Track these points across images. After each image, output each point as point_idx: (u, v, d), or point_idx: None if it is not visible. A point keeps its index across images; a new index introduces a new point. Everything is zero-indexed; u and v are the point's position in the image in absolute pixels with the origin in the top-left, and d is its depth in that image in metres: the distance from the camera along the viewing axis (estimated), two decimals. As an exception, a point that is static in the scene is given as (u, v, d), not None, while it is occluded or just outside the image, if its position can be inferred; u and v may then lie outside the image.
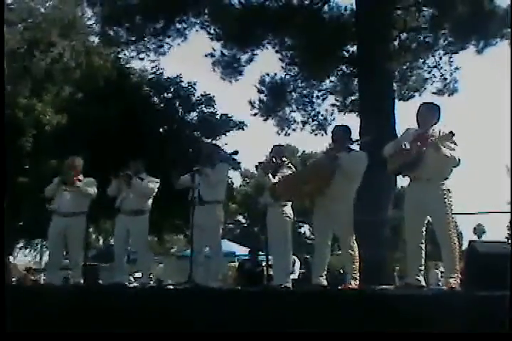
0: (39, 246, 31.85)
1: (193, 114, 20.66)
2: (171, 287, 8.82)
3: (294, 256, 11.35)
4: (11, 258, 25.67)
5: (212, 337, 5.31)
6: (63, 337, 5.59)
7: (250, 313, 5.55)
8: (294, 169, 7.66)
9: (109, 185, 8.52)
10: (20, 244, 28.22)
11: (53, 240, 8.55)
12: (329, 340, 4.90)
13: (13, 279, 19.08)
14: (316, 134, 18.76)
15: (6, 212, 17.85)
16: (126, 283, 8.34)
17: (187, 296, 6.39)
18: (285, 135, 19.20)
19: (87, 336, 5.55)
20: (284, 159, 7.70)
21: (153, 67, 20.42)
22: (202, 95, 20.52)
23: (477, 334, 4.45)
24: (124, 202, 8.29)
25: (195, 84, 20.46)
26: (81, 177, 8.59)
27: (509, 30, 14.21)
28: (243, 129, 20.42)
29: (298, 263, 13.22)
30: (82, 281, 8.40)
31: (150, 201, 8.42)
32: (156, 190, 8.40)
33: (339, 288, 6.72)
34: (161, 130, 19.79)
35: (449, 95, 17.87)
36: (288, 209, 7.53)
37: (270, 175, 7.46)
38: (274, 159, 7.62)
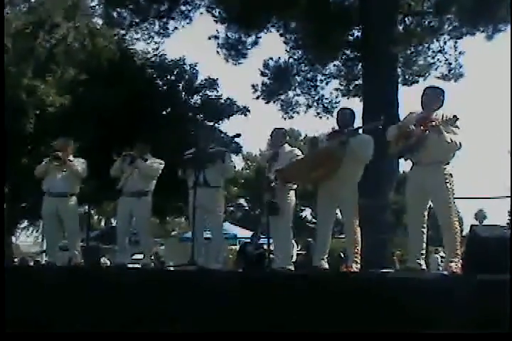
0: (41, 226, 32.01)
1: (196, 97, 20.67)
2: (172, 268, 8.86)
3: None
4: (14, 239, 25.78)
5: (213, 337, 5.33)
6: (63, 337, 5.61)
7: (252, 295, 5.58)
8: (297, 151, 7.62)
9: (109, 166, 8.53)
10: (23, 225, 28.35)
11: (47, 221, 8.60)
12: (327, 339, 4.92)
13: (16, 260, 19.20)
14: (320, 117, 18.77)
15: (10, 193, 17.89)
16: (128, 264, 8.36)
17: (188, 277, 6.41)
18: (289, 118, 19.24)
19: (88, 336, 5.57)
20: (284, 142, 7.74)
21: (156, 49, 20.40)
22: (206, 79, 20.51)
23: (477, 335, 4.47)
24: (127, 184, 8.29)
25: (197, 66, 20.49)
26: (71, 157, 8.58)
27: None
28: (246, 115, 20.43)
29: (295, 247, 13.25)
30: (81, 262, 8.41)
31: (153, 182, 8.42)
32: (160, 171, 8.40)
33: (340, 271, 6.75)
34: (164, 112, 19.78)
35: (454, 80, 17.84)
36: (292, 193, 7.53)
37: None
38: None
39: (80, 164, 8.54)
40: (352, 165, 6.53)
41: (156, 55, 20.56)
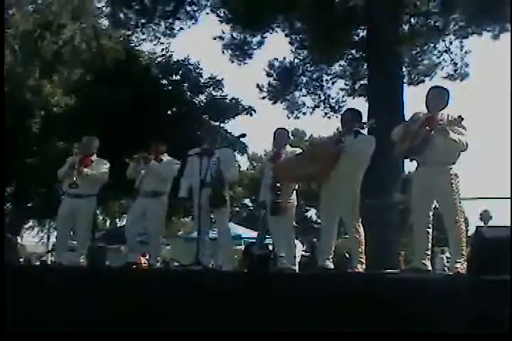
0: (47, 227, 32.05)
1: (201, 97, 20.70)
2: (178, 268, 8.84)
3: (296, 240, 11.41)
4: (19, 239, 25.84)
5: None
6: (64, 337, 5.60)
7: (256, 295, 5.57)
8: (300, 151, 7.62)
9: (115, 167, 8.51)
10: (29, 225, 28.40)
11: (62, 221, 8.55)
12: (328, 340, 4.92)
13: (21, 260, 19.22)
14: (329, 117, 18.80)
15: (15, 193, 17.92)
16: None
17: (193, 277, 6.41)
18: (295, 118, 19.29)
19: (88, 336, 5.56)
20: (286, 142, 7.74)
21: (163, 49, 20.43)
22: (210, 78, 20.53)
23: (477, 335, 4.47)
24: (142, 184, 8.25)
25: (200, 65, 20.53)
26: (94, 157, 8.57)
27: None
28: (251, 115, 20.44)
29: (300, 247, 13.24)
30: (84, 262, 8.38)
31: (169, 183, 8.37)
32: (176, 171, 8.34)
33: (345, 271, 6.74)
34: (169, 112, 19.80)
35: (460, 80, 17.83)
36: (294, 193, 7.53)
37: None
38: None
39: (100, 167, 8.48)
40: (350, 164, 6.49)
41: (163, 55, 20.59)
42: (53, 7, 20.48)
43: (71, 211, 8.36)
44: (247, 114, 20.37)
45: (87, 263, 8.46)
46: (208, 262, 7.33)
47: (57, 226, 9.44)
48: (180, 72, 20.32)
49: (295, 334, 5.03)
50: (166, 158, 8.41)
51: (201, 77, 20.49)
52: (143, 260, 15.91)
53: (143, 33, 18.96)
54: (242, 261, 12.81)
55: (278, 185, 7.33)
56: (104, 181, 8.54)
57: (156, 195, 8.24)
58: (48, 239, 34.71)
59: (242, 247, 14.81)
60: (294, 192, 7.55)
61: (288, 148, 7.69)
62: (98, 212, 24.58)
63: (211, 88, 20.54)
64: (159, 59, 20.73)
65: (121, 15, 18.42)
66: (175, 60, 20.44)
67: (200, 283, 5.97)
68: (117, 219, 34.94)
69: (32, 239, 35.43)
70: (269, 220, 7.62)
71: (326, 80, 18.86)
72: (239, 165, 8.29)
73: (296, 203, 7.60)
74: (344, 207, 6.63)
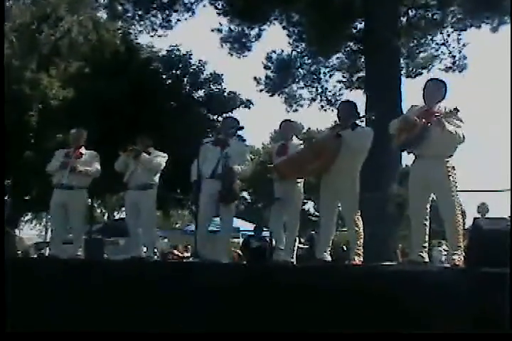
0: (45, 219, 32.09)
1: (201, 91, 20.68)
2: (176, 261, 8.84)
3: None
4: (17, 232, 25.84)
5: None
6: (64, 337, 5.60)
7: (255, 289, 5.58)
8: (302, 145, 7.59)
9: (113, 159, 8.50)
10: (27, 217, 28.39)
11: (54, 213, 8.54)
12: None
13: (19, 252, 19.22)
14: (325, 110, 18.80)
15: (13, 186, 17.90)
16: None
17: (192, 270, 6.41)
18: (293, 111, 19.29)
19: (88, 336, 5.56)
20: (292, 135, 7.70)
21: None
22: (211, 74, 20.51)
23: (477, 335, 4.48)
24: (131, 177, 8.28)
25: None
26: (83, 150, 8.58)
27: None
28: (249, 108, 20.44)
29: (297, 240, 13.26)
30: (81, 255, 8.38)
31: (157, 176, 8.40)
32: (164, 164, 8.37)
33: (342, 263, 6.74)
34: (168, 106, 19.78)
35: (459, 72, 17.83)
36: (300, 186, 7.50)
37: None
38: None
39: (91, 161, 8.46)
40: (349, 157, 6.50)
41: (161, 48, 20.59)
42: (51, -1, 20.44)
43: (63, 203, 8.36)
44: (245, 108, 20.39)
45: (85, 256, 8.46)
46: (206, 255, 7.30)
47: (50, 218, 9.43)
48: (180, 66, 20.29)
49: (293, 332, 5.05)
50: (153, 151, 8.43)
51: (202, 73, 20.48)
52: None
53: (140, 25, 18.94)
54: (242, 253, 12.86)
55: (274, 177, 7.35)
56: (97, 175, 8.56)
57: (146, 187, 8.28)
58: (46, 231, 34.77)
59: (240, 240, 14.86)
60: (301, 184, 7.53)
61: (294, 140, 7.66)
62: (96, 204, 24.58)
63: (211, 83, 20.52)
64: (159, 53, 20.73)
65: (119, 7, 18.39)
66: (175, 55, 20.39)
67: (198, 276, 5.98)
68: (115, 212, 34.98)
69: (30, 232, 35.51)
70: (272, 211, 7.56)
71: (324, 73, 18.86)
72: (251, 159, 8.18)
73: (302, 197, 7.59)
74: (344, 199, 6.64)
